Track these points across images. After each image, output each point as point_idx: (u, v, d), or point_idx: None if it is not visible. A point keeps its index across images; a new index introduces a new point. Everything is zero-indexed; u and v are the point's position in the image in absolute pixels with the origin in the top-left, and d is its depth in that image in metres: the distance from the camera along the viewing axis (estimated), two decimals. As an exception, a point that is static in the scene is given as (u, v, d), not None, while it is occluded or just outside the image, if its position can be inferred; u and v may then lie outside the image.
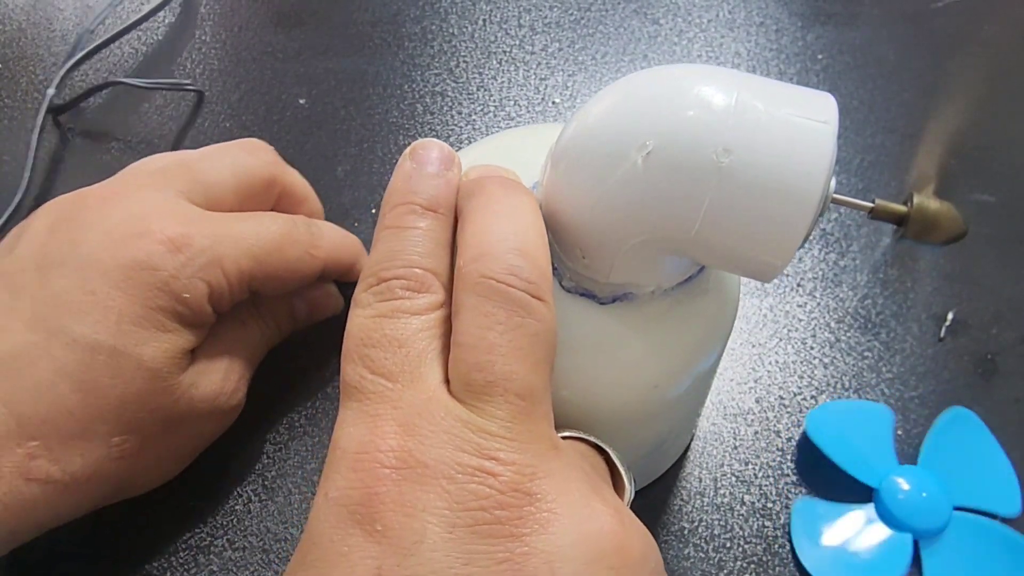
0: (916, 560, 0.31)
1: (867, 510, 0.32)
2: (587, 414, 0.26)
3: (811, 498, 0.32)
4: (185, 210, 0.28)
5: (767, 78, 0.23)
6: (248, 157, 0.31)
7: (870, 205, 0.25)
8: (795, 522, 0.31)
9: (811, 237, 0.39)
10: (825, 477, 0.32)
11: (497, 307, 0.21)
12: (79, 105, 0.44)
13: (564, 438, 0.24)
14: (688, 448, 0.34)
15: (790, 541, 0.31)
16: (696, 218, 0.22)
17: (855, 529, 0.31)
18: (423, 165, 0.24)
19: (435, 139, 0.25)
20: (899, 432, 0.34)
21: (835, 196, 0.24)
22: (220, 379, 0.29)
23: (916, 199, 0.25)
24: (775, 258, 0.22)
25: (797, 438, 0.34)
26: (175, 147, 0.42)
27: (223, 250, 0.28)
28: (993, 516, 0.32)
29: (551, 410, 0.22)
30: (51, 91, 0.42)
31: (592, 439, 0.25)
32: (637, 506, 0.32)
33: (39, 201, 0.41)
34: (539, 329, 0.21)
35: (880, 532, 0.31)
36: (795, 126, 0.21)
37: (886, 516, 0.31)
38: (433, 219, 0.23)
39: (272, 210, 0.32)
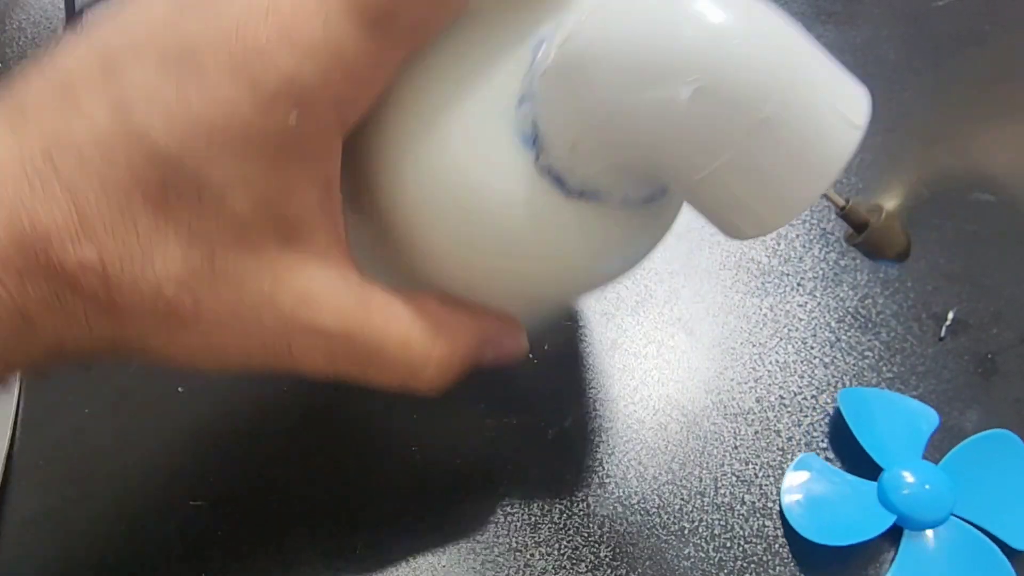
0: (897, 545, 0.31)
1: (866, 484, 0.32)
2: (504, 291, 0.26)
3: (813, 455, 0.33)
4: None
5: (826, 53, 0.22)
6: None
7: (843, 202, 0.25)
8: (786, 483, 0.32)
9: (811, 238, 0.40)
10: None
11: None
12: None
13: None
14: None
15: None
16: (709, 167, 0.21)
17: (843, 494, 0.32)
18: None
19: None
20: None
21: None
22: None
23: (885, 213, 0.26)
24: (755, 229, 0.22)
25: (797, 437, 0.34)
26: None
27: None
28: (993, 538, 0.31)
29: None
30: None
31: None
32: (633, 501, 0.32)
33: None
34: None
35: (867, 501, 0.31)
36: (834, 114, 0.21)
37: (881, 495, 0.31)
38: None
39: None
